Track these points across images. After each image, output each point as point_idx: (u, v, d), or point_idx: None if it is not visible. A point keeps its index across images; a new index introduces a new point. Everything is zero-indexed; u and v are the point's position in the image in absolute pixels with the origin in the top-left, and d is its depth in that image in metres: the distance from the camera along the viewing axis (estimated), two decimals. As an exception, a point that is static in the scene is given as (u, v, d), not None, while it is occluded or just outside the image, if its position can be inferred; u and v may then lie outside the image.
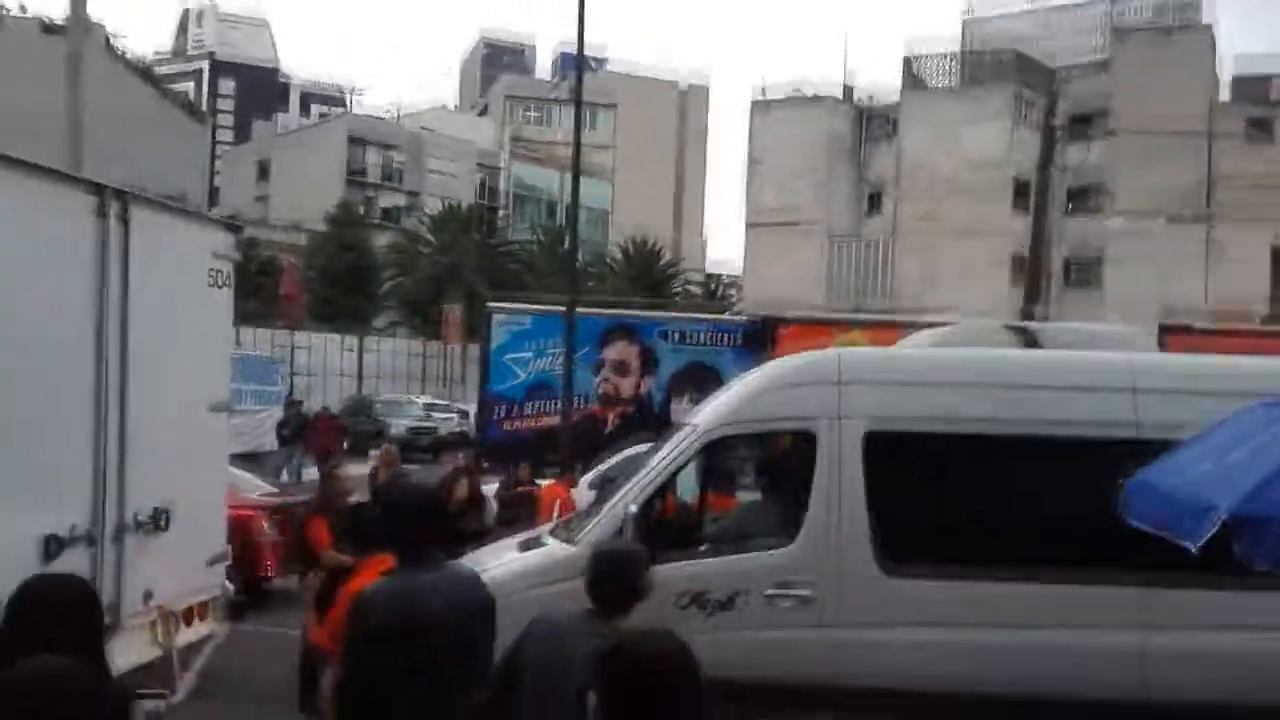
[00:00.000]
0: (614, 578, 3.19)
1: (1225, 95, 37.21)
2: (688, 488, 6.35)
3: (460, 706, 2.86)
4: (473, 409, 22.97)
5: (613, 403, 16.57)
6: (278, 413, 20.56)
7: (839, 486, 5.45)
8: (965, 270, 34.64)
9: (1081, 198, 37.40)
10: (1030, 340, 6.08)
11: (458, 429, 27.45)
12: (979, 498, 5.57)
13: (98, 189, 5.06)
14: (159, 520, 5.41)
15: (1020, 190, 35.41)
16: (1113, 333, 6.26)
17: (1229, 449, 2.82)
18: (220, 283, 5.91)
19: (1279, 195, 31.37)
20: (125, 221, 5.19)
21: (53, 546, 4.63)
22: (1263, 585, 5.11)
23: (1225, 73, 37.85)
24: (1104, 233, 35.47)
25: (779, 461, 6.08)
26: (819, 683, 5.23)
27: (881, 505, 5.43)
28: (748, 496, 6.57)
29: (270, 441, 19.75)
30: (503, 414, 16.79)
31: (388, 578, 3.05)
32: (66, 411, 4.96)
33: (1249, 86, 37.38)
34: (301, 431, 19.84)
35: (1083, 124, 35.86)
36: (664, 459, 5.78)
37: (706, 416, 5.91)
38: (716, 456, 5.95)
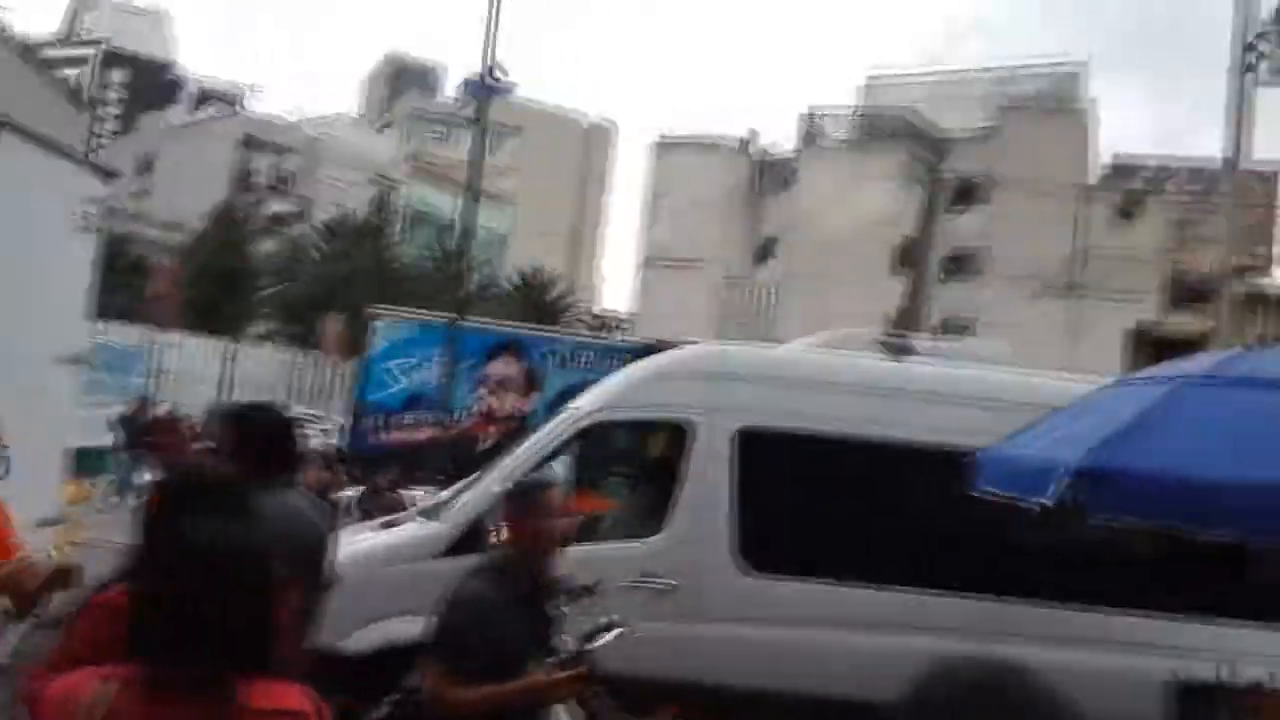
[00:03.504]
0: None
1: (1101, 172, 39.68)
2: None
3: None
4: (345, 423, 22.20)
5: (491, 420, 16.33)
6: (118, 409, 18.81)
7: (706, 480, 5.48)
8: (847, 323, 35.65)
9: (961, 263, 39.07)
10: (903, 350, 6.25)
11: (329, 443, 26.56)
12: (840, 500, 5.65)
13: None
14: (-10, 467, 5.04)
15: (905, 250, 36.82)
16: (978, 346, 6.52)
17: (1078, 417, 2.94)
18: (88, 227, 5.61)
19: (1142, 275, 33.36)
20: (-11, 145, 4.90)
21: None
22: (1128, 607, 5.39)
23: (1106, 150, 40.50)
24: (977, 300, 37.11)
25: (652, 452, 6.08)
26: (670, 678, 5.18)
27: (747, 502, 5.47)
28: (621, 485, 6.53)
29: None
30: (377, 424, 16.38)
31: None
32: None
33: (1121, 172, 40.00)
34: (136, 438, 17.92)
35: (968, 192, 37.63)
36: (540, 440, 5.72)
37: (586, 401, 5.89)
38: (593, 442, 5.89)
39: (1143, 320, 35.59)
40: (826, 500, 5.64)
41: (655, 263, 41.63)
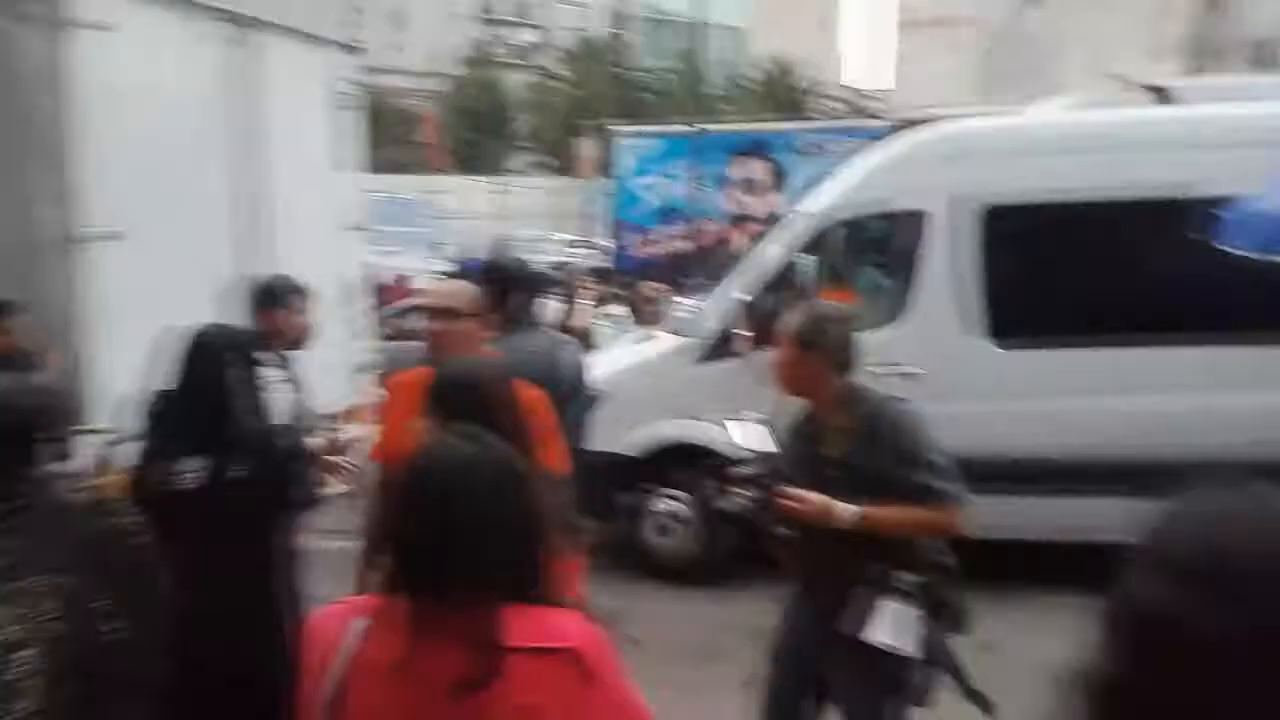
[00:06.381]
0: None
1: None
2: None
3: None
4: (607, 243, 23.09)
5: (744, 221, 16.47)
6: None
7: (947, 263, 5.42)
8: (1137, 58, 31.82)
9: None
10: (1163, 97, 5.67)
11: (598, 263, 27.78)
12: (1095, 266, 5.41)
13: (228, 15, 5.33)
14: (307, 331, 5.88)
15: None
16: (1257, 84, 5.76)
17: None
18: (347, 104, 6.19)
19: None
20: (253, 45, 5.48)
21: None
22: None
23: None
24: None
25: (893, 240, 5.96)
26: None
27: (994, 279, 5.38)
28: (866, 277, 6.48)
29: None
30: (634, 241, 17.00)
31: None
32: (208, 225, 5.32)
33: None
34: None
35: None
36: (776, 244, 5.84)
37: (818, 201, 5.90)
38: (831, 239, 5.86)
39: None
40: (1077, 267, 5.41)
41: (911, 26, 38.71)
